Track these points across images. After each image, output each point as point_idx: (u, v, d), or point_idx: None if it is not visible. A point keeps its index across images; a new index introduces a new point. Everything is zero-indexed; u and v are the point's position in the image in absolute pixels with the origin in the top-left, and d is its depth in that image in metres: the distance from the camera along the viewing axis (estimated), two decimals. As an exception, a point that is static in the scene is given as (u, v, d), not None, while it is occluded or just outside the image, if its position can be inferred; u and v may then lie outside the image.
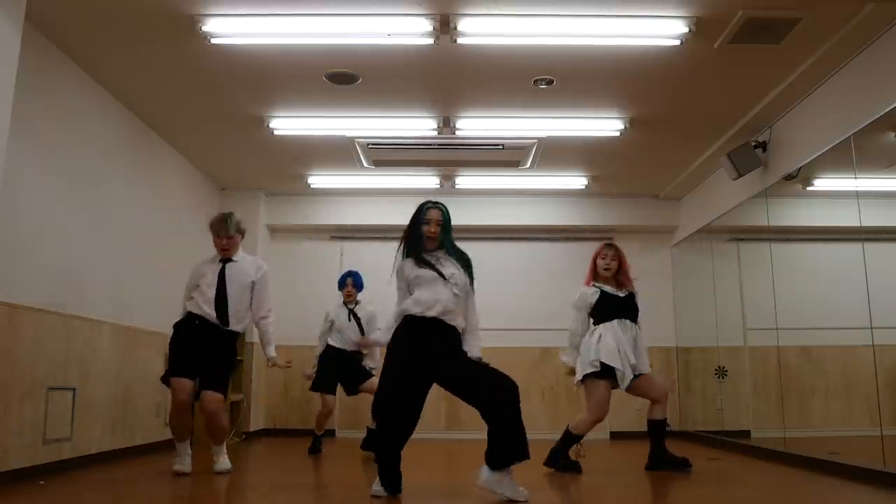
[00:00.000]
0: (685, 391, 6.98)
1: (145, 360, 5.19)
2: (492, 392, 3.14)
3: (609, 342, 4.14)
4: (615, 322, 4.21)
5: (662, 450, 4.27)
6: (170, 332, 5.32)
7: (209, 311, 3.98)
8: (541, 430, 6.90)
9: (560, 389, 7.04)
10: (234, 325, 4.06)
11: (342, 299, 5.43)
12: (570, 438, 4.28)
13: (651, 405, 4.31)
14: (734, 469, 4.51)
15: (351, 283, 5.41)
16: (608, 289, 4.32)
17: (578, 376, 4.24)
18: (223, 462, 4.13)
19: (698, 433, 6.47)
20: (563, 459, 4.25)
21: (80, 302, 4.31)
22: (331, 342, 5.33)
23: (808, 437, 4.79)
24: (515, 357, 7.08)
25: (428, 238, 3.38)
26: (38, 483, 3.60)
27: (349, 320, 5.31)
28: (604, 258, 4.36)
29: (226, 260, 4.12)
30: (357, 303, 5.41)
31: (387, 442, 3.22)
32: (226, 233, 4.10)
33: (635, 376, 4.18)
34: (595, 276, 4.38)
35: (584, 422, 4.24)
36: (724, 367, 6.13)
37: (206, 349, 3.96)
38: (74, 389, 4.20)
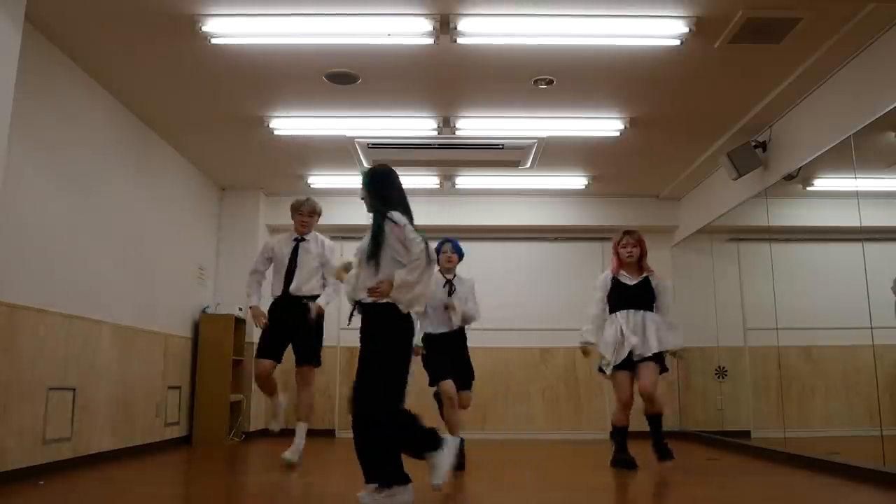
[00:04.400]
0: (685, 391, 6.97)
1: (145, 360, 5.19)
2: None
3: (608, 336, 4.39)
4: (620, 314, 4.38)
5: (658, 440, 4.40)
6: (170, 331, 5.36)
7: (284, 288, 4.61)
8: (540, 430, 6.91)
9: (560, 389, 7.04)
10: (304, 291, 4.62)
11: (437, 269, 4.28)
12: (614, 430, 4.47)
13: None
14: (734, 469, 4.51)
15: (451, 248, 4.43)
16: (622, 276, 4.48)
17: (607, 370, 4.42)
18: (292, 450, 4.48)
19: (698, 433, 6.47)
20: (618, 454, 4.41)
21: (80, 302, 4.31)
22: (428, 329, 4.32)
23: (808, 437, 4.79)
24: (515, 357, 7.09)
25: None
26: (38, 483, 3.60)
27: (447, 295, 4.31)
28: (625, 247, 4.50)
29: (300, 239, 4.73)
30: (455, 275, 4.43)
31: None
32: (307, 209, 4.72)
33: (638, 360, 4.32)
34: (620, 264, 4.53)
35: (615, 412, 4.46)
36: (724, 367, 6.13)
37: (293, 327, 4.55)
38: (74, 389, 4.20)
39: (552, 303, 7.05)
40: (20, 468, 3.68)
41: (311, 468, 4.50)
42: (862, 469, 3.95)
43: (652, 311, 4.39)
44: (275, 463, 4.77)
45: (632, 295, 4.41)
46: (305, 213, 4.72)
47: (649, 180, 6.70)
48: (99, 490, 3.53)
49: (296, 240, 4.74)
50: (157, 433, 5.36)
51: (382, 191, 3.15)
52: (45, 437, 3.91)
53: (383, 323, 2.98)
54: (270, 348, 4.57)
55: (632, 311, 4.37)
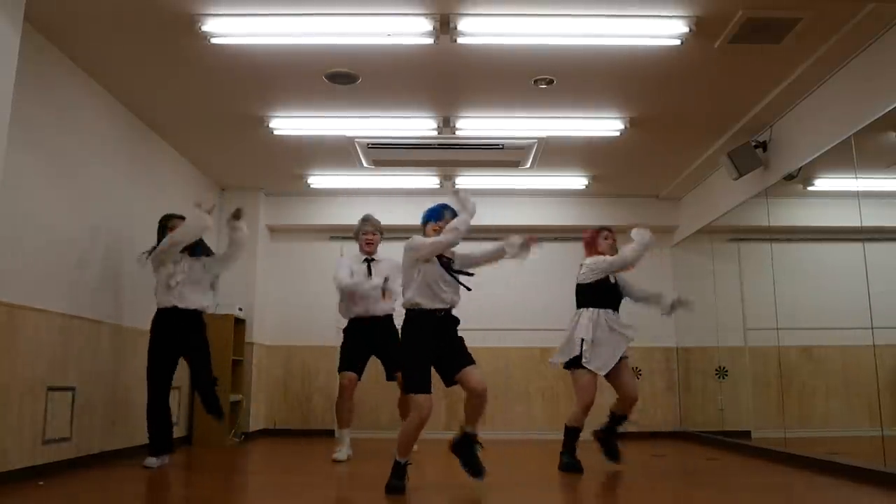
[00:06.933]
0: (685, 391, 6.97)
1: (145, 360, 5.17)
2: None
3: (599, 335, 4.23)
4: (598, 311, 4.31)
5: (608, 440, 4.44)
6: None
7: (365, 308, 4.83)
8: (540, 430, 6.91)
9: (560, 389, 7.04)
10: (375, 311, 4.83)
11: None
12: (570, 433, 4.28)
13: (617, 400, 4.39)
14: (734, 469, 4.51)
15: (451, 216, 3.68)
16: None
17: (558, 360, 4.35)
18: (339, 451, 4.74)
19: (698, 433, 6.47)
20: (566, 458, 4.25)
21: (80, 302, 4.31)
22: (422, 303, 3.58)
23: (808, 437, 4.79)
24: (515, 357, 7.08)
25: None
26: (37, 483, 3.60)
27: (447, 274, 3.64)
28: (606, 238, 4.51)
29: (370, 259, 4.93)
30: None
31: None
32: (371, 229, 4.93)
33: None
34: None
35: (575, 413, 4.27)
36: (724, 367, 6.12)
37: (374, 343, 4.81)
38: (74, 389, 4.20)
39: (552, 303, 7.02)
40: (20, 468, 3.68)
41: (311, 468, 4.50)
42: (862, 469, 3.95)
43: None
44: (275, 463, 4.77)
45: (610, 293, 4.40)
46: (369, 231, 4.93)
47: (649, 180, 6.70)
48: (99, 490, 3.53)
49: (366, 260, 4.94)
50: (157, 433, 5.34)
51: None
52: (45, 437, 3.91)
53: None
54: (355, 361, 4.78)
55: (610, 311, 4.33)
